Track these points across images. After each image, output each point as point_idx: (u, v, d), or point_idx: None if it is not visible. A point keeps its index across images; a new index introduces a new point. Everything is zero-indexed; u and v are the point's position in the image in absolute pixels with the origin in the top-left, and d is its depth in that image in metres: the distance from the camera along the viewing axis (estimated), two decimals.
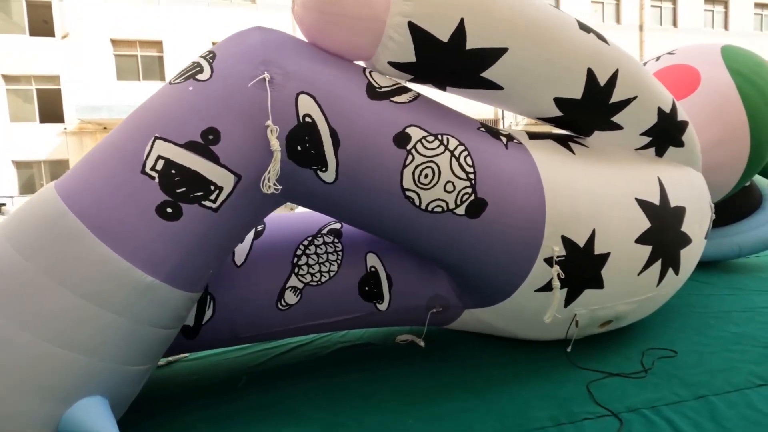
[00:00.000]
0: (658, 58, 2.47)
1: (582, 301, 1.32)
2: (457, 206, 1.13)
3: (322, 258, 1.45)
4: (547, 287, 1.25)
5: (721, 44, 2.28)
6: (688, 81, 2.15)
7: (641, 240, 1.31)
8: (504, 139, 1.25)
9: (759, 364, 1.29)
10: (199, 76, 1.00)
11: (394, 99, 1.12)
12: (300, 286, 1.41)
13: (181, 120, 0.95)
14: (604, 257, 1.27)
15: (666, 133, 1.44)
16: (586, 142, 1.42)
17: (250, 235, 1.46)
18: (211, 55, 1.05)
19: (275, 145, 0.98)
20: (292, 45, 1.09)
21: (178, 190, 0.93)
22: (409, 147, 1.09)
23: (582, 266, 1.26)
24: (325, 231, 1.51)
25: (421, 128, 1.11)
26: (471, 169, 1.13)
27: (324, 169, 1.07)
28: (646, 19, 16.52)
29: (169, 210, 0.92)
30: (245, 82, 0.98)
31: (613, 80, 1.26)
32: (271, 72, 1.01)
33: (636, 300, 1.41)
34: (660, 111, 1.38)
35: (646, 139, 1.43)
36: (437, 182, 1.11)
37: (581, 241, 1.23)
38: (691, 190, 1.50)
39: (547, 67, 1.19)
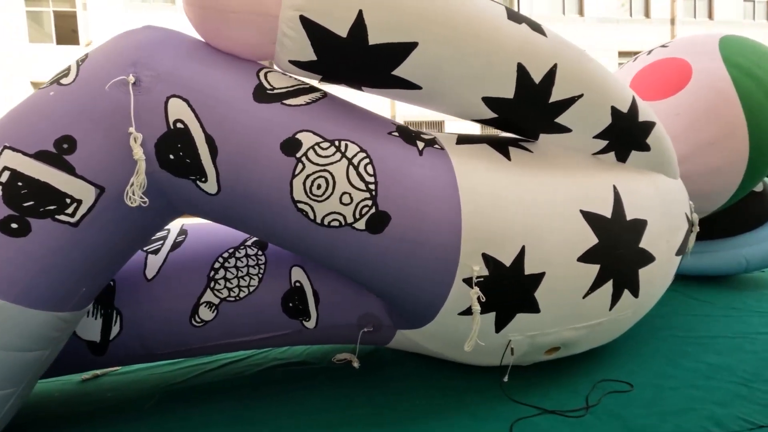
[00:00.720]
0: (649, 52, 2.25)
1: (515, 326, 1.17)
2: (356, 220, 1.01)
3: (242, 272, 1.36)
4: (470, 311, 1.11)
5: (721, 34, 2.05)
6: (678, 76, 1.93)
7: (586, 258, 1.15)
8: (421, 144, 1.12)
9: (724, 405, 1.10)
10: (63, 80, 0.93)
11: (288, 101, 1.02)
12: (216, 301, 1.32)
13: (35, 128, 0.88)
14: (538, 278, 1.11)
15: (625, 136, 1.27)
16: (532, 146, 1.26)
17: (167, 246, 1.39)
18: (84, 57, 0.98)
19: (138, 154, 0.90)
20: (176, 45, 1.00)
21: (24, 204, 0.85)
22: (299, 154, 0.98)
23: (509, 288, 1.11)
24: (249, 242, 1.41)
25: (315, 133, 1.00)
26: (372, 179, 1.01)
27: (203, 179, 0.97)
28: (678, 12, 15.62)
29: (14, 225, 0.85)
30: (106, 80, 0.90)
31: (550, 77, 1.10)
32: (140, 74, 0.92)
33: (585, 325, 1.24)
34: (614, 111, 1.20)
35: (602, 143, 1.26)
36: (332, 193, 0.99)
37: (507, 260, 1.08)
38: (657, 201, 1.31)
39: (468, 64, 1.05)
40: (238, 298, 1.33)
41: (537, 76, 1.09)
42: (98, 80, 0.91)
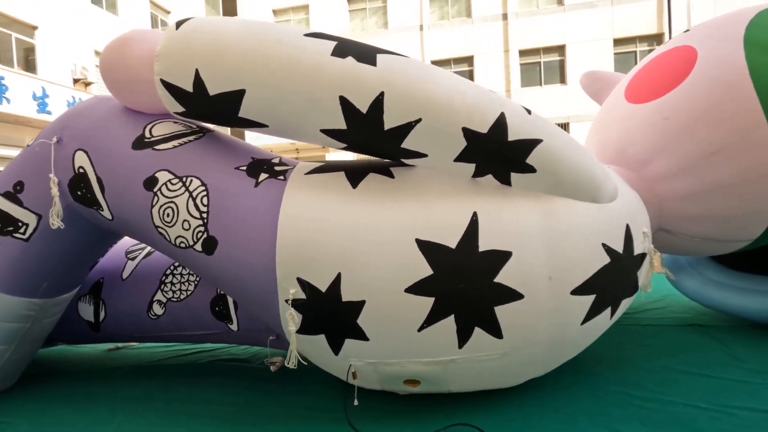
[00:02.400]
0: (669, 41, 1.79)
1: (350, 351, 1.18)
2: (195, 243, 1.21)
3: (184, 278, 1.69)
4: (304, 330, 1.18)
5: (764, 7, 1.53)
6: (677, 69, 1.54)
7: (417, 290, 1.09)
8: (263, 177, 1.25)
9: None
10: (29, 142, 1.39)
11: (157, 147, 1.29)
12: (164, 300, 1.68)
13: (7, 175, 1.35)
14: (357, 305, 1.12)
15: (493, 157, 1.14)
16: (402, 172, 1.25)
17: (143, 254, 1.81)
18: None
19: (54, 191, 1.28)
20: (98, 110, 1.38)
21: None
22: (155, 189, 1.24)
23: (327, 313, 1.14)
24: None
25: (169, 172, 1.24)
26: (205, 209, 1.20)
27: (101, 209, 1.31)
28: None
29: None
30: (44, 144, 1.32)
31: (378, 105, 1.11)
32: (63, 134, 1.32)
33: (432, 361, 1.16)
34: (468, 132, 1.11)
35: (469, 166, 1.17)
36: (177, 220, 1.22)
37: (323, 286, 1.12)
38: (539, 229, 1.13)
39: (292, 102, 1.15)
40: (179, 299, 1.66)
41: (363, 106, 1.11)
42: (41, 138, 1.34)
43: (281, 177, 1.26)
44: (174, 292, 1.67)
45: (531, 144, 1.13)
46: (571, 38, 13.45)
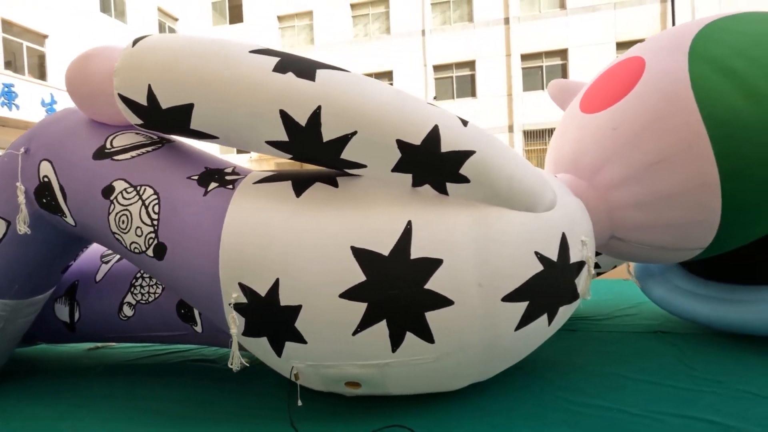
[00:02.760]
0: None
1: (291, 353, 1.24)
2: (147, 248, 1.28)
3: (153, 281, 1.76)
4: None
5: (724, 14, 1.55)
6: (626, 80, 1.57)
7: (350, 295, 1.14)
8: (213, 186, 1.31)
9: None
10: (8, 151, 1.48)
11: (116, 157, 1.36)
12: (134, 302, 1.75)
13: None
14: (295, 309, 1.17)
15: (427, 168, 1.19)
16: (347, 181, 1.30)
17: (116, 258, 1.89)
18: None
19: (21, 199, 1.36)
20: (65, 122, 1.45)
21: None
22: (112, 197, 1.30)
23: (266, 316, 1.20)
24: None
25: (125, 181, 1.31)
26: (156, 216, 1.26)
27: (65, 216, 1.39)
28: None
29: None
30: (12, 155, 1.40)
31: (315, 119, 1.16)
32: (31, 145, 1.40)
33: (368, 364, 1.21)
34: (402, 144, 1.16)
35: (406, 176, 1.22)
36: (130, 227, 1.28)
37: (262, 290, 1.18)
38: (469, 238, 1.17)
39: (237, 115, 1.21)
40: (148, 301, 1.73)
41: (302, 120, 1.17)
42: (9, 152, 1.42)
43: (230, 186, 1.32)
44: (143, 294, 1.74)
45: (464, 155, 1.17)
46: (574, 42, 13.40)
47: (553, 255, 1.23)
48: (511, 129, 13.72)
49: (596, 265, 2.32)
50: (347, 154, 1.19)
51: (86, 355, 2.10)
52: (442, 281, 1.14)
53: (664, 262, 1.93)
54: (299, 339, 1.20)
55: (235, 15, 16.73)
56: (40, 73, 10.90)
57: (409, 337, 1.16)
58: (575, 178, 1.61)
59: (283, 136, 1.20)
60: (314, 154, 1.24)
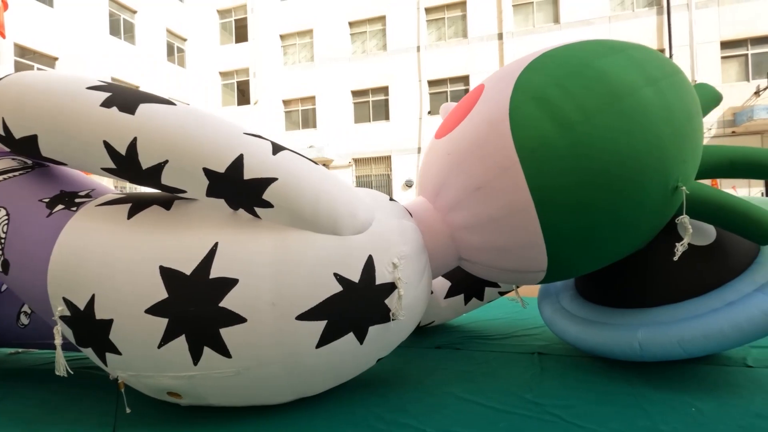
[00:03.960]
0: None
1: (112, 363, 1.34)
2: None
3: None
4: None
5: (557, 46, 1.63)
6: (466, 107, 1.66)
7: (154, 311, 1.25)
8: (59, 208, 1.44)
9: None
10: None
11: None
12: (29, 311, 1.89)
13: None
14: (107, 323, 1.28)
15: (233, 194, 1.30)
16: (179, 205, 1.42)
17: None
18: None
19: None
20: None
21: None
22: None
23: (85, 329, 1.31)
24: None
25: None
26: (4, 235, 1.40)
27: None
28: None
29: None
30: None
31: (132, 149, 1.29)
32: None
33: (178, 375, 1.30)
34: (208, 171, 1.28)
35: (220, 200, 1.33)
36: None
37: (81, 305, 1.29)
38: (268, 259, 1.26)
39: (71, 145, 1.36)
40: None
41: (122, 149, 1.29)
42: None
43: (74, 208, 1.45)
44: None
45: (266, 182, 1.27)
46: None
47: (354, 276, 1.31)
48: None
49: (496, 284, 2.36)
50: (165, 180, 1.31)
51: (7, 359, 2.25)
52: (236, 300, 1.23)
53: (520, 283, 1.96)
54: (115, 351, 1.30)
55: (241, 34, 17.40)
56: None
57: (207, 351, 1.25)
58: (426, 201, 1.69)
59: (111, 164, 1.33)
60: (140, 180, 1.37)
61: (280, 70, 16.45)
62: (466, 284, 2.33)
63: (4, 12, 9.93)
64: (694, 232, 1.65)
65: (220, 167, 1.26)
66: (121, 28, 13.98)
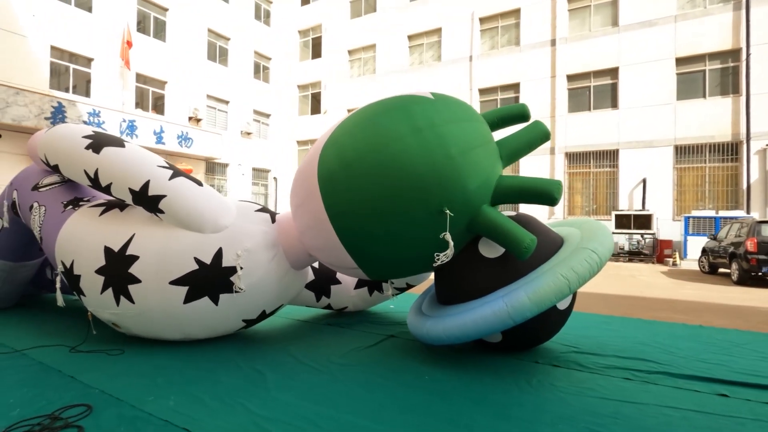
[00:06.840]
0: None
1: (83, 302, 2.29)
2: (39, 239, 2.48)
3: None
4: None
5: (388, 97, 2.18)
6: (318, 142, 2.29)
7: (98, 272, 2.21)
8: (69, 207, 2.47)
9: None
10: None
11: (41, 189, 2.63)
12: (53, 269, 3.03)
13: None
14: (78, 277, 2.26)
15: (145, 205, 2.17)
16: (129, 208, 2.35)
17: None
18: None
19: (5, 209, 2.71)
20: (29, 169, 2.82)
21: None
22: (33, 210, 2.56)
23: (70, 280, 2.31)
24: None
25: (38, 202, 2.56)
26: (41, 221, 2.48)
27: (20, 218, 2.69)
28: None
29: None
30: (5, 187, 2.76)
31: (96, 174, 2.28)
32: (14, 182, 2.77)
33: (112, 312, 2.24)
34: (131, 190, 2.19)
35: (140, 207, 2.21)
36: (36, 225, 2.53)
37: (68, 265, 2.30)
38: (159, 244, 2.14)
39: (70, 171, 2.42)
40: None
41: (92, 175, 2.29)
42: (5, 186, 2.80)
43: (77, 208, 2.45)
44: None
45: (159, 198, 2.14)
46: (626, 60, 12.31)
47: (207, 260, 2.09)
48: (552, 151, 13.14)
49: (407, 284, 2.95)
50: (113, 194, 2.25)
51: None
52: (137, 268, 2.10)
53: (356, 276, 2.46)
54: (83, 294, 2.26)
55: (317, 51, 19.31)
56: (158, 109, 14.44)
57: (122, 299, 2.17)
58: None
59: (89, 183, 2.32)
60: (104, 192, 2.32)
61: (346, 82, 17.90)
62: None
63: (129, 50, 12.82)
64: (485, 246, 2.07)
65: (137, 187, 2.15)
66: (216, 53, 16.67)
